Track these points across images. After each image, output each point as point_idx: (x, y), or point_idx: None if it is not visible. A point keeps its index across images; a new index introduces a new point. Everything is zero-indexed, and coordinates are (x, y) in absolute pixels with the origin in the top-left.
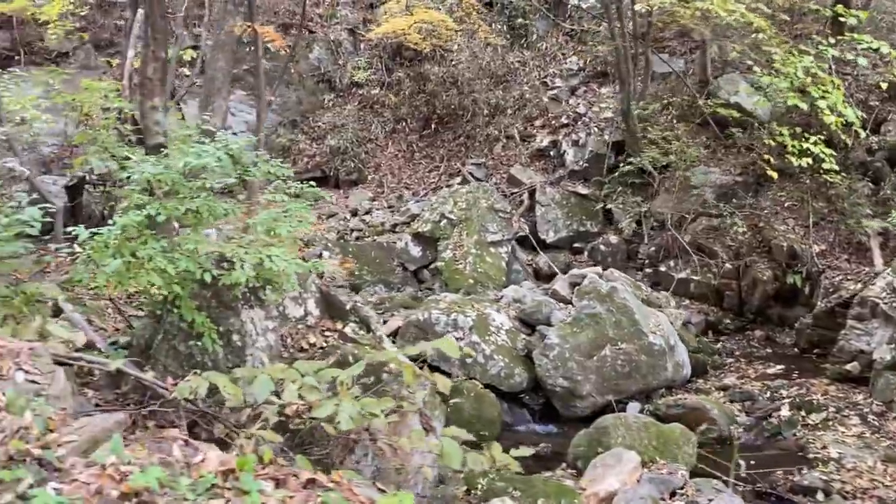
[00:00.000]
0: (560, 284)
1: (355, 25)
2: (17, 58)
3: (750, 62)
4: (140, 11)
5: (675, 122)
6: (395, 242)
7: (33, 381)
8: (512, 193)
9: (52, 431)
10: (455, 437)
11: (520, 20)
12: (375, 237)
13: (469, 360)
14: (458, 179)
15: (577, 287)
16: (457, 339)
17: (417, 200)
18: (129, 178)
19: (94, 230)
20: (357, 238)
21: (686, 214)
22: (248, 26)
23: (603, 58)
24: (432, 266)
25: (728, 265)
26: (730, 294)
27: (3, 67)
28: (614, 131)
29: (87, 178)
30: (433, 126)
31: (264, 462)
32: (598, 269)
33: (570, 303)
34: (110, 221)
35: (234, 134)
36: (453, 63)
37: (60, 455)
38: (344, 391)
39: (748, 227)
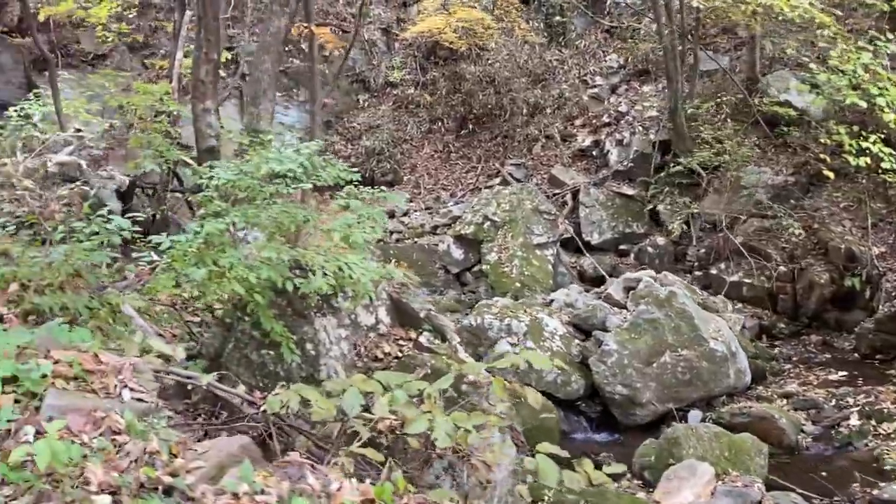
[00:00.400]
0: (614, 288)
1: (389, 25)
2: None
3: (804, 58)
4: (188, 13)
5: (724, 120)
6: (436, 245)
7: (140, 400)
8: (554, 194)
9: (175, 456)
10: (551, 453)
11: (557, 17)
12: (416, 239)
13: (524, 367)
14: (498, 180)
15: (631, 291)
16: (511, 344)
17: (457, 202)
18: (205, 183)
19: (174, 238)
20: (397, 240)
21: (739, 215)
22: (305, 27)
23: (644, 55)
24: (475, 269)
25: (782, 268)
26: (784, 297)
27: (41, 70)
28: (660, 130)
29: (138, 182)
30: (470, 126)
31: (399, 490)
32: (651, 272)
33: (625, 307)
34: (190, 227)
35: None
36: (489, 62)
37: (190, 483)
38: (433, 406)
39: (803, 228)
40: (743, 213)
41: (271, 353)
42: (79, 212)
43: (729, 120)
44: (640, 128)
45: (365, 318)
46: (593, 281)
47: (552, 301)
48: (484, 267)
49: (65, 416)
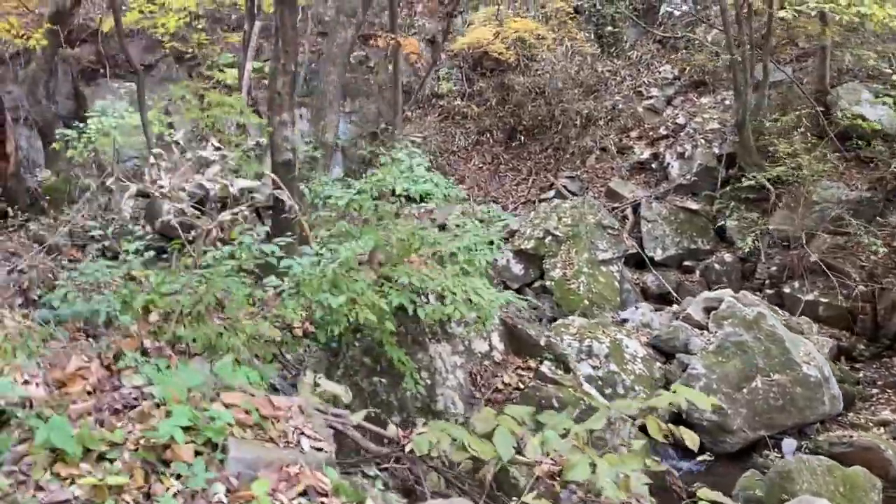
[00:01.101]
0: (693, 308)
1: (434, 36)
2: (101, 71)
3: (887, 70)
4: (257, 24)
5: (795, 134)
6: (494, 259)
7: (318, 448)
8: (613, 208)
9: None
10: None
11: (609, 28)
12: None
13: (608, 391)
14: (552, 193)
15: (712, 312)
16: (592, 367)
17: (513, 215)
18: (327, 203)
19: (301, 261)
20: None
21: (814, 232)
22: (392, 38)
23: (701, 66)
24: (536, 284)
25: (862, 287)
26: (864, 317)
27: (89, 80)
28: (724, 143)
29: (206, 197)
30: (519, 137)
31: None
32: (729, 291)
33: (706, 328)
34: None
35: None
36: (538, 73)
37: None
38: (585, 447)
39: (884, 245)
40: (818, 230)
41: (384, 380)
42: (227, 236)
43: (799, 133)
44: (703, 140)
45: (479, 344)
46: (658, 298)
47: (624, 320)
48: (548, 283)
49: (254, 471)
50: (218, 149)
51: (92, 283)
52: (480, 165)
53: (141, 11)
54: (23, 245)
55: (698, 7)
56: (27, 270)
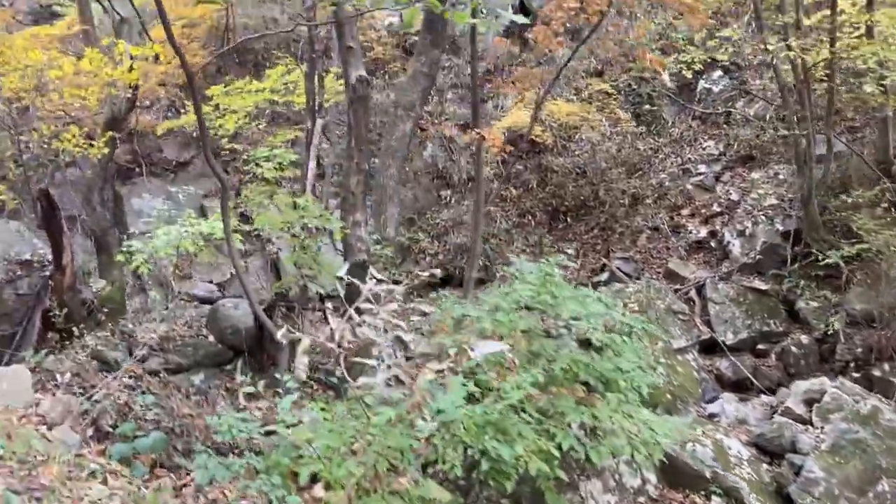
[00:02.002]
0: (792, 401)
1: (466, 121)
2: (137, 169)
3: None
4: (319, 122)
5: (876, 209)
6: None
7: None
8: (676, 290)
9: None
10: None
11: (646, 107)
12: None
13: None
14: (605, 275)
15: (815, 405)
16: None
17: None
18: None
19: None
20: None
21: None
22: (478, 133)
23: (747, 141)
24: None
25: None
26: None
27: (125, 179)
28: (786, 219)
29: (276, 302)
30: (562, 218)
31: None
32: (824, 379)
33: (810, 423)
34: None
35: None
36: (576, 153)
37: None
38: None
39: None
40: None
41: None
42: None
43: (882, 209)
44: (763, 217)
45: (630, 478)
46: (734, 386)
47: (712, 415)
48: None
49: None
50: (381, 281)
51: (227, 440)
52: (524, 248)
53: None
54: (80, 364)
55: (736, 82)
56: (101, 399)
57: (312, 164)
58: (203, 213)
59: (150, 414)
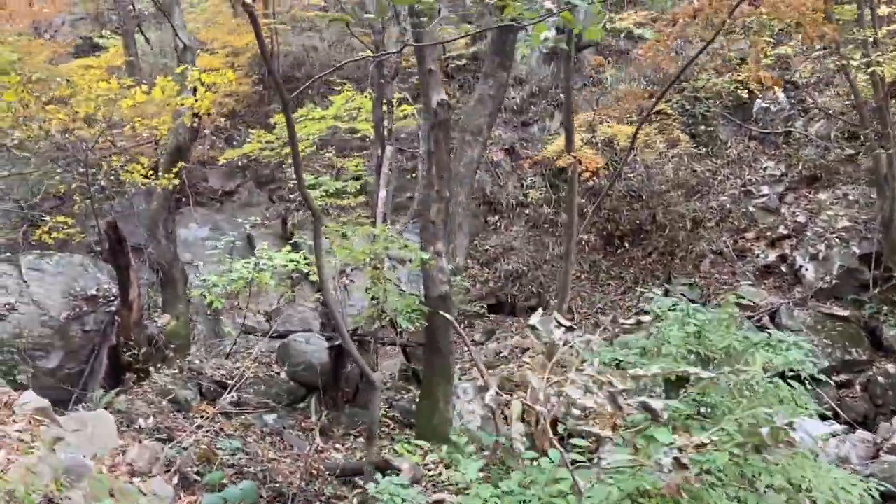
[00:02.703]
0: None
1: (512, 145)
2: (184, 199)
3: None
4: (389, 149)
5: None
6: None
7: None
8: (748, 318)
9: None
10: None
11: (702, 127)
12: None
13: None
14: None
15: None
16: None
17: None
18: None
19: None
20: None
21: None
22: (574, 157)
23: (812, 161)
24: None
25: None
26: None
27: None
28: (863, 242)
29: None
30: (617, 243)
31: None
32: None
33: None
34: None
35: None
36: (630, 175)
37: None
38: None
39: None
40: None
41: None
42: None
43: None
44: (837, 240)
45: None
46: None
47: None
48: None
49: None
50: (570, 328)
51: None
52: (577, 275)
53: (259, 140)
54: (155, 404)
55: (793, 101)
56: (186, 446)
57: (383, 193)
58: (250, 243)
59: (233, 459)
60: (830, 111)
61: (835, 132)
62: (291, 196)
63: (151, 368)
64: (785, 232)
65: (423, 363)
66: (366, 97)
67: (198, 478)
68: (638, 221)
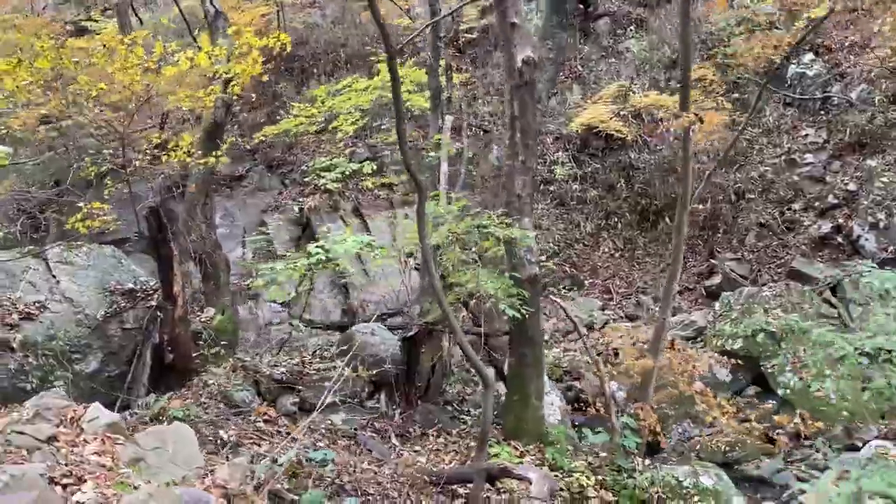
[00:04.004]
0: None
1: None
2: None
3: None
4: (449, 118)
5: None
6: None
7: None
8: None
9: None
10: None
11: (735, 95)
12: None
13: None
14: (717, 279)
15: None
16: None
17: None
18: None
19: None
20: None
21: None
22: (695, 116)
23: (859, 126)
24: (750, 392)
25: None
26: None
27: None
28: None
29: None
30: (653, 218)
31: None
32: None
33: None
34: None
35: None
36: (660, 148)
37: None
38: None
39: None
40: None
41: None
42: None
43: None
44: None
45: None
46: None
47: None
48: (782, 392)
49: None
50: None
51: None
52: (612, 252)
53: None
54: (207, 408)
55: (828, 65)
56: (281, 462)
57: (445, 167)
58: (264, 230)
59: (324, 471)
60: (872, 74)
61: (880, 96)
62: (305, 179)
63: (191, 366)
64: (834, 201)
65: (510, 354)
66: (410, 68)
67: (295, 497)
68: (674, 195)
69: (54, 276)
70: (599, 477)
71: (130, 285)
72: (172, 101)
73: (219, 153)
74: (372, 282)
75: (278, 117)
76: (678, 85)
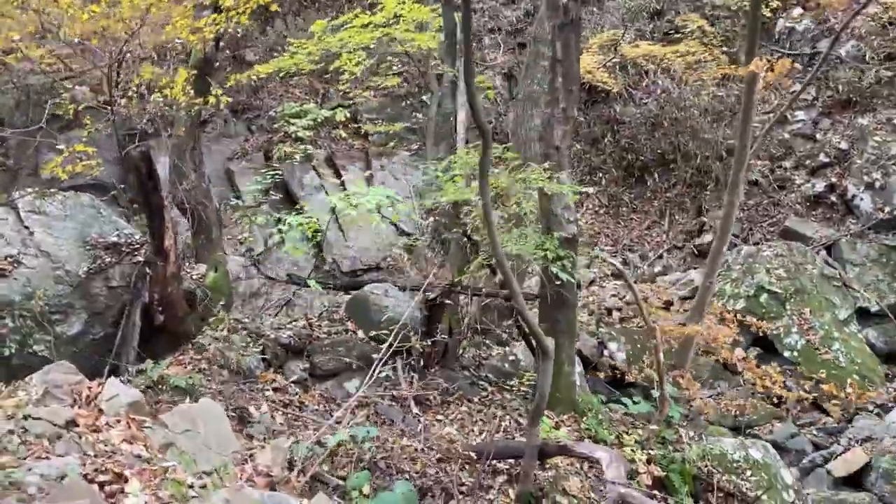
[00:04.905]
0: None
1: (510, 69)
2: (151, 131)
3: None
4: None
5: None
6: (682, 325)
7: None
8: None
9: None
10: None
11: (723, 49)
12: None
13: None
14: (708, 237)
15: None
16: None
17: (653, 264)
18: None
19: None
20: (621, 320)
21: None
22: (767, 61)
23: (850, 83)
24: (752, 353)
25: None
26: None
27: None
28: None
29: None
30: (638, 174)
31: None
32: None
33: None
34: None
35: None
36: (645, 101)
37: None
38: None
39: None
40: None
41: None
42: None
43: None
44: (894, 167)
45: None
46: (888, 358)
47: None
48: (788, 354)
49: None
50: None
51: None
52: (597, 209)
53: (292, 56)
54: (209, 375)
55: (817, 21)
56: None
57: (462, 115)
58: (230, 177)
59: (361, 449)
60: (863, 31)
61: (870, 53)
62: (274, 126)
63: (184, 328)
64: (826, 160)
65: (540, 319)
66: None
67: (340, 482)
68: (660, 150)
69: (27, 228)
70: (646, 451)
71: (114, 238)
72: (168, 31)
73: (219, 92)
74: (345, 236)
75: (255, 58)
76: (664, 34)
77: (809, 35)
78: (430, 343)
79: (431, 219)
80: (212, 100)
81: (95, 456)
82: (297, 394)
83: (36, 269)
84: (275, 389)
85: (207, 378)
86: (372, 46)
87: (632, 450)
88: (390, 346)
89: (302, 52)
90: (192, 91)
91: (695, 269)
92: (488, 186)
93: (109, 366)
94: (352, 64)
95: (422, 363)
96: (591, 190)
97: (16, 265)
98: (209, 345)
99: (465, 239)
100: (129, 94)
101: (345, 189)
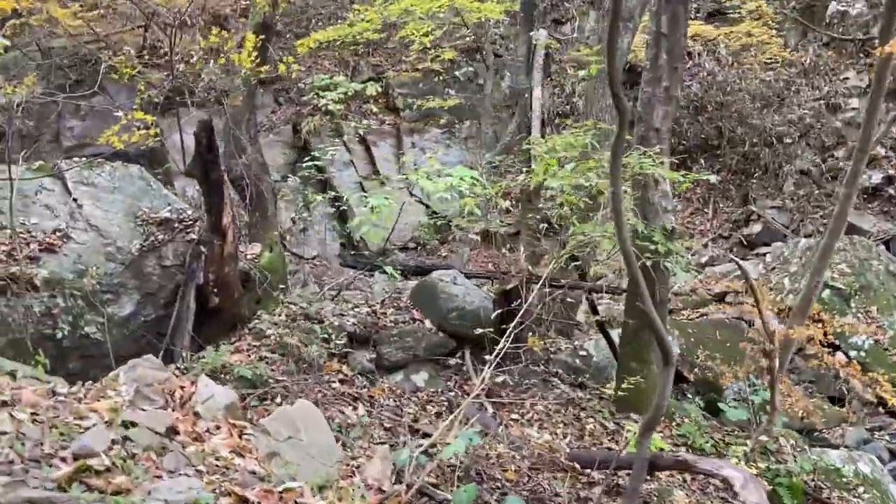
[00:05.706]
0: None
1: (546, 47)
2: (178, 98)
3: None
4: (542, 33)
5: None
6: (739, 319)
7: None
8: None
9: None
10: None
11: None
12: (700, 311)
13: None
14: (758, 227)
15: None
16: None
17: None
18: None
19: None
20: (670, 311)
21: None
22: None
23: None
24: (809, 351)
25: None
26: None
27: (164, 111)
28: None
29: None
30: (679, 160)
31: None
32: None
33: None
34: None
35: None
36: (687, 84)
37: None
38: None
39: None
40: None
41: None
42: None
43: None
44: None
45: None
46: None
47: None
48: (854, 354)
49: None
50: None
51: None
52: None
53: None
54: (273, 364)
55: (871, 4)
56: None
57: (538, 93)
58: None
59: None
60: None
61: None
62: (303, 98)
63: (243, 311)
64: (881, 151)
65: (626, 315)
66: None
67: (448, 496)
68: (703, 135)
69: (75, 200)
70: (751, 463)
71: (166, 214)
72: None
73: (290, 59)
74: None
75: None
76: (708, 15)
77: (862, 20)
78: (508, 337)
79: (505, 203)
80: (282, 67)
81: (208, 472)
82: (365, 387)
83: (86, 245)
84: (341, 381)
85: (271, 368)
86: (442, 15)
87: (736, 460)
88: (468, 339)
89: (360, 21)
90: (257, 57)
91: (745, 260)
92: (619, 171)
93: (164, 350)
94: (420, 34)
95: (495, 357)
96: (713, 178)
97: (65, 240)
98: (267, 330)
99: (547, 226)
100: (187, 59)
101: (374, 167)
